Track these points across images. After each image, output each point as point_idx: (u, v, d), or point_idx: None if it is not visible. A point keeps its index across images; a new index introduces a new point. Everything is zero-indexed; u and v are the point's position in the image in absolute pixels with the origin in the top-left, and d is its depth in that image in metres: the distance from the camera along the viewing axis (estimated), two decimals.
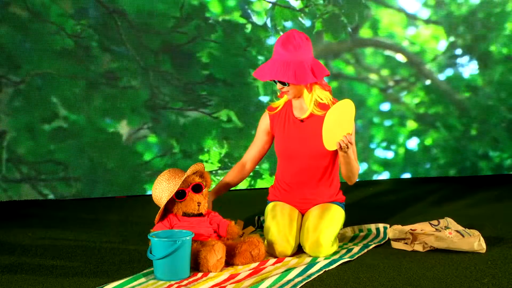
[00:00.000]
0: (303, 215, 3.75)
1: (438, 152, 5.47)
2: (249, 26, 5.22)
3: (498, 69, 5.41)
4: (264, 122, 3.82)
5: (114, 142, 5.20)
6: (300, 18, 5.21)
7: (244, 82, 5.27)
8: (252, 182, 5.31)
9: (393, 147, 5.44)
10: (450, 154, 5.48)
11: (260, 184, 5.30)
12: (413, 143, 5.45)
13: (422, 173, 5.46)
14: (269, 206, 3.76)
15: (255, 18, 5.22)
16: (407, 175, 5.46)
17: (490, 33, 5.36)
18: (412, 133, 5.44)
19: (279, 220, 3.60)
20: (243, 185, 5.30)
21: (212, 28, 5.20)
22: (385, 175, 5.44)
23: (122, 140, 5.20)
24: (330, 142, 3.50)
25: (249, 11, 5.21)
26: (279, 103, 3.79)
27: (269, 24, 5.21)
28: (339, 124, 3.47)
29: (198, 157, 5.26)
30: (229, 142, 5.27)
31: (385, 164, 5.43)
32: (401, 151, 5.45)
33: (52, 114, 5.13)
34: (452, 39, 5.37)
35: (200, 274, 3.28)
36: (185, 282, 3.19)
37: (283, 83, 3.61)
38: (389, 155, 5.44)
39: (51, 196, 5.13)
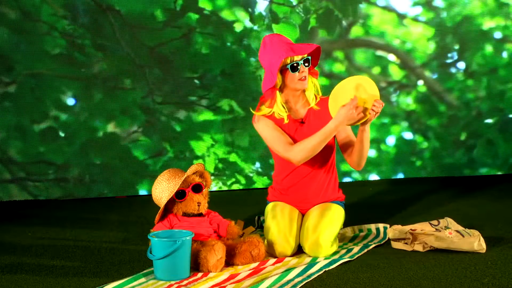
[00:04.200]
0: (303, 215, 3.74)
1: (433, 152, 5.47)
2: (245, 19, 5.22)
3: (484, 80, 5.42)
4: (270, 122, 3.66)
5: (107, 143, 5.19)
6: (297, 11, 5.21)
7: (243, 73, 5.25)
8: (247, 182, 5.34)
9: (384, 146, 5.44)
10: (446, 154, 5.48)
11: (258, 184, 5.32)
12: (406, 143, 5.45)
13: (416, 173, 5.46)
14: (269, 206, 3.76)
15: (250, 10, 5.23)
16: (400, 175, 5.46)
17: (468, 50, 5.38)
18: (405, 133, 5.44)
19: (279, 220, 3.60)
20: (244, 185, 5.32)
21: (207, 20, 5.18)
22: (378, 175, 5.44)
23: (115, 140, 5.19)
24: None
25: (245, 3, 5.22)
26: (281, 115, 3.65)
27: (265, 16, 5.21)
28: (360, 96, 3.46)
29: (201, 152, 5.25)
30: (233, 133, 5.26)
31: (377, 163, 5.43)
32: (393, 150, 5.45)
33: (44, 114, 5.12)
34: (443, 41, 5.38)
35: (200, 274, 3.28)
36: (185, 282, 3.19)
37: (308, 65, 3.59)
38: (381, 154, 5.45)
39: (41, 197, 5.13)
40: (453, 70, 5.42)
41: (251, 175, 5.28)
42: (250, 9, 5.21)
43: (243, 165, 5.28)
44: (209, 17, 5.18)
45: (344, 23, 5.28)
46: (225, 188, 5.27)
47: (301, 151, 3.54)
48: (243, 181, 5.29)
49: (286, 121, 3.65)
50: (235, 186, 5.28)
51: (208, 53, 5.22)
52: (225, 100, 5.25)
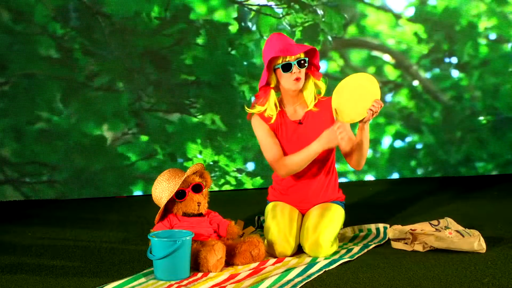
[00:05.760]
0: (303, 215, 3.74)
1: (429, 152, 5.47)
2: (234, 28, 5.21)
3: (476, 73, 5.42)
4: (264, 127, 3.68)
5: (99, 145, 5.19)
6: (284, 23, 5.21)
7: (229, 85, 5.26)
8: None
9: (381, 147, 5.44)
10: (441, 153, 5.47)
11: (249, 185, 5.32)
12: (401, 143, 5.45)
13: (412, 173, 5.45)
14: (269, 206, 3.76)
15: (240, 21, 5.22)
16: (395, 175, 5.46)
17: (457, 43, 5.38)
18: (403, 133, 5.44)
19: (279, 220, 3.60)
20: (247, 185, 5.32)
21: (196, 30, 5.19)
22: (373, 175, 5.43)
23: (106, 142, 5.19)
24: (352, 114, 3.51)
25: (235, 14, 5.21)
26: (270, 114, 3.67)
27: (253, 28, 5.22)
28: (358, 96, 3.47)
29: (183, 160, 5.25)
30: (215, 144, 5.26)
31: (373, 163, 5.43)
32: (388, 151, 5.44)
33: (36, 116, 5.11)
34: (435, 40, 5.38)
35: (200, 274, 3.28)
36: (185, 282, 3.19)
37: (303, 66, 3.58)
38: (377, 155, 5.44)
39: (34, 198, 5.12)
40: (449, 69, 5.42)
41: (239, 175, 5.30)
42: (243, 23, 5.22)
43: (232, 166, 5.29)
44: (199, 28, 5.19)
45: (329, 37, 5.28)
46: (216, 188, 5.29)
47: (285, 167, 3.62)
48: (233, 181, 5.30)
49: (272, 121, 3.65)
50: (226, 187, 5.30)
51: (196, 63, 5.22)
52: (209, 114, 5.26)
